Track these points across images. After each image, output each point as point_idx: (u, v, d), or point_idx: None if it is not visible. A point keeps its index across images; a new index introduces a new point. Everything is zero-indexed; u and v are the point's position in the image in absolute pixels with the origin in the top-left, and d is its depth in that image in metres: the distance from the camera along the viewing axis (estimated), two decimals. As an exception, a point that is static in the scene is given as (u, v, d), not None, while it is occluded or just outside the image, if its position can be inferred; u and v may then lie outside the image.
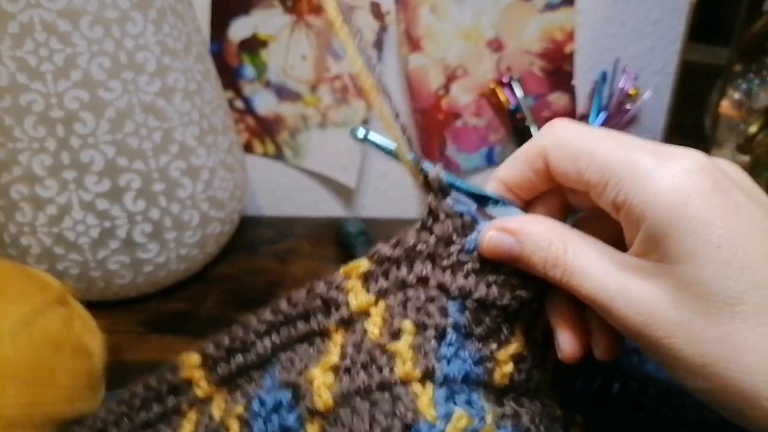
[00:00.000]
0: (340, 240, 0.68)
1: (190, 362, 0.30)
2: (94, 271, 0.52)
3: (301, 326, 0.28)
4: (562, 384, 0.29)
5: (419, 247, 0.26)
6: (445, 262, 0.26)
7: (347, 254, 0.66)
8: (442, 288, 0.26)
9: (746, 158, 0.62)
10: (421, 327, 0.25)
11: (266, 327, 0.29)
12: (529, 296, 0.26)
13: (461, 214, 0.27)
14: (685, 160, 0.22)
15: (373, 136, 0.27)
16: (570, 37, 0.68)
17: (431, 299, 0.26)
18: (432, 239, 0.26)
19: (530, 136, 0.63)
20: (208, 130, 0.55)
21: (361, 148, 0.73)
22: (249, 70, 0.72)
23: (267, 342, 0.28)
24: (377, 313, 0.26)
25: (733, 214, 0.21)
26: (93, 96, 0.47)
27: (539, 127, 0.63)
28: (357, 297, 0.27)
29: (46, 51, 0.45)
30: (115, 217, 0.51)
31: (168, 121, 0.51)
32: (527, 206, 0.28)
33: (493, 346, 0.26)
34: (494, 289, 0.26)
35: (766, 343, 0.20)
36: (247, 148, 0.76)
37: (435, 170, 0.27)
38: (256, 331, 0.29)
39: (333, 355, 0.26)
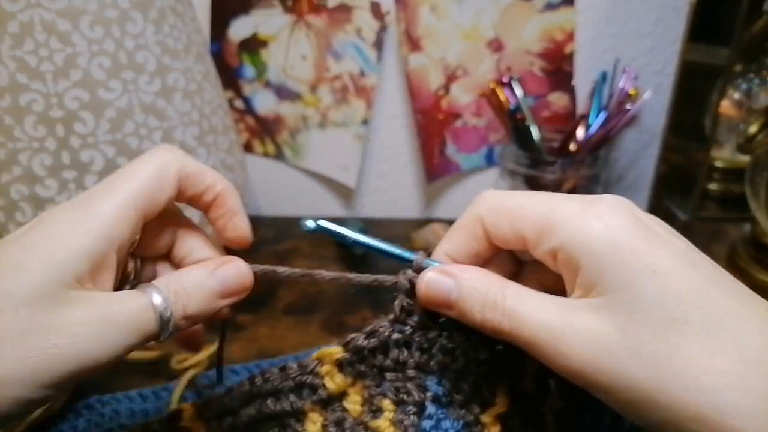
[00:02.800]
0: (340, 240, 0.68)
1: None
2: (94, 271, 0.52)
3: (271, 404, 0.29)
4: (571, 422, 0.29)
5: (394, 336, 0.27)
6: (421, 345, 0.27)
7: (347, 254, 0.66)
8: (419, 367, 0.27)
9: (746, 158, 0.62)
10: (400, 404, 0.27)
11: (243, 398, 0.30)
12: (503, 354, 0.27)
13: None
14: (608, 202, 0.24)
15: (325, 224, 0.29)
16: (570, 37, 0.68)
17: (409, 378, 0.27)
18: (407, 329, 0.27)
19: (530, 135, 0.63)
20: (208, 130, 0.55)
21: (361, 148, 0.73)
22: (249, 70, 0.72)
23: (251, 411, 0.29)
24: (355, 392, 0.28)
25: (659, 243, 0.23)
26: (93, 96, 0.47)
27: (539, 127, 0.63)
28: (334, 380, 0.28)
29: (46, 51, 0.45)
30: (115, 217, 0.51)
31: (168, 121, 0.51)
32: None
33: (476, 410, 0.27)
34: (469, 356, 0.27)
35: (719, 361, 0.20)
36: (247, 148, 0.76)
37: (408, 275, 0.27)
38: (237, 399, 0.30)
39: None
